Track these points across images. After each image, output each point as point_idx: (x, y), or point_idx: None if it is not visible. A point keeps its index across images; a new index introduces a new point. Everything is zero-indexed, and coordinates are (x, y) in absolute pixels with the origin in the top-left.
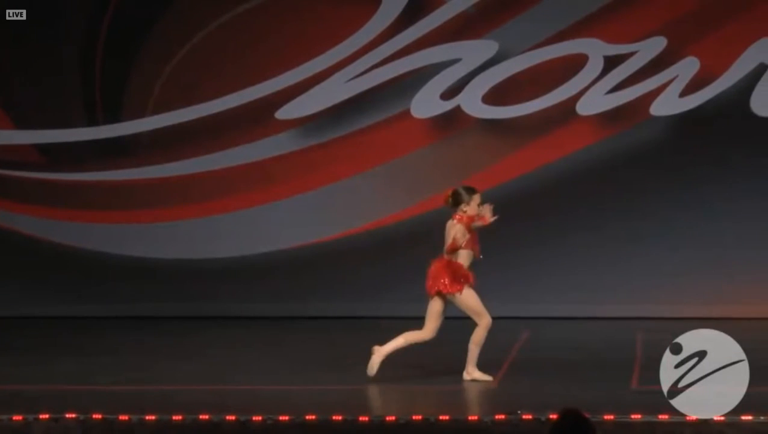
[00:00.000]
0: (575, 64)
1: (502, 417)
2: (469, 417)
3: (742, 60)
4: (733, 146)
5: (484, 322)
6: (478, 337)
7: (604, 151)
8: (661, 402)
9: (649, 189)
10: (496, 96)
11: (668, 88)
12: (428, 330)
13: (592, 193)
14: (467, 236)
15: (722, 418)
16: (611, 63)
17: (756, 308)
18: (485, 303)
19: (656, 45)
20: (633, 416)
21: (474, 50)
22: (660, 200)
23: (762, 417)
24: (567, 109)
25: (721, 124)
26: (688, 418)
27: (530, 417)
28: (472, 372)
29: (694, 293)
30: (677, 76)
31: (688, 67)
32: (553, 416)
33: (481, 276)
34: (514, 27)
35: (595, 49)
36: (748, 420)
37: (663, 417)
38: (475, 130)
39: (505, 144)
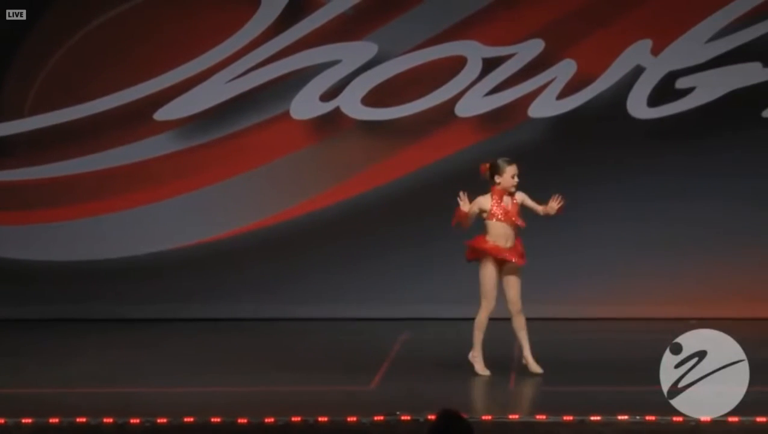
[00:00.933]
0: (454, 66)
1: (381, 418)
2: (348, 419)
3: (619, 62)
4: (610, 147)
5: (484, 304)
6: (478, 320)
7: (483, 152)
8: (538, 402)
9: (526, 191)
10: (375, 98)
11: (546, 90)
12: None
13: (472, 194)
14: (485, 208)
15: (599, 418)
16: (490, 65)
17: (639, 309)
18: (368, 303)
19: (534, 47)
20: (511, 416)
21: (353, 52)
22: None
23: (638, 417)
24: (446, 110)
25: (598, 126)
26: (565, 418)
27: (408, 418)
28: (474, 356)
29: (571, 294)
30: (555, 78)
31: (565, 69)
32: (432, 416)
33: (359, 278)
34: (393, 29)
35: (473, 51)
36: (624, 419)
37: (540, 417)
38: (355, 131)
39: (385, 145)
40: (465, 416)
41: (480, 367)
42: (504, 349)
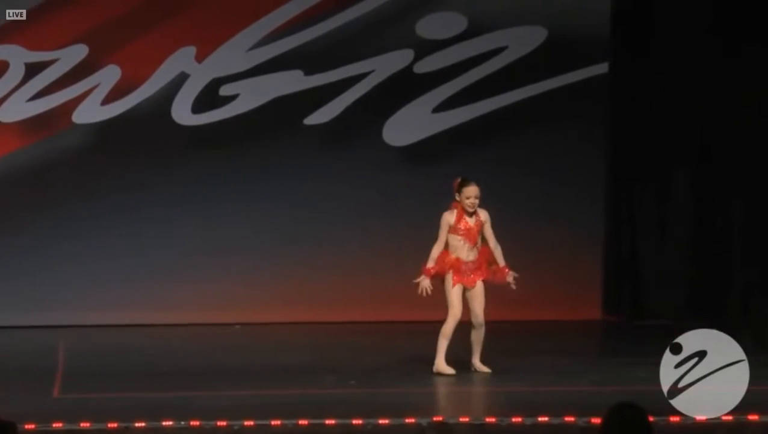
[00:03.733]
0: None
1: None
2: None
3: (164, 68)
4: (156, 153)
5: (450, 313)
6: (444, 329)
7: (28, 158)
8: (84, 409)
9: (72, 196)
10: None
11: (90, 96)
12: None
13: (15, 200)
14: (450, 223)
15: (224, 422)
16: (33, 70)
17: (185, 314)
18: None
19: (78, 52)
20: (55, 424)
21: None
22: (84, 206)
23: (316, 421)
24: None
25: (143, 132)
26: (109, 425)
27: None
28: (438, 364)
29: (114, 300)
30: (99, 83)
31: (109, 75)
32: None
33: None
34: None
35: (16, 55)
36: (277, 424)
37: (85, 424)
38: None
39: None
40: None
41: (444, 368)
42: (48, 358)
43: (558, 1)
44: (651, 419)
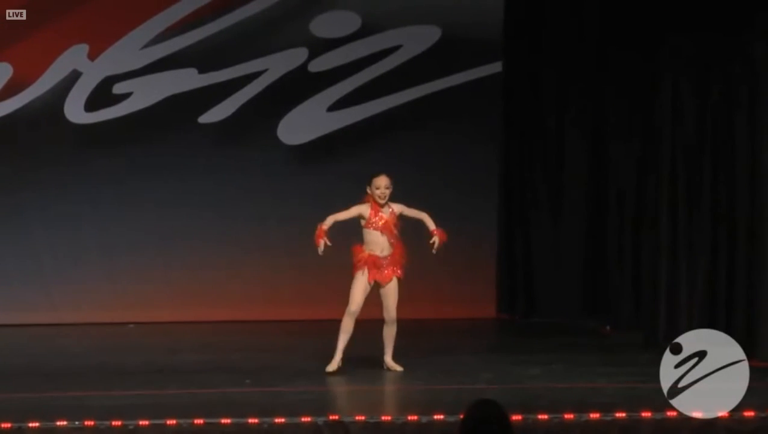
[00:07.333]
0: None
1: None
2: None
3: (56, 66)
4: (49, 152)
5: (348, 308)
6: (342, 324)
7: None
8: None
9: None
10: None
11: None
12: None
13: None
14: (364, 216)
15: (119, 422)
16: None
17: (78, 313)
18: None
19: None
20: None
21: None
22: None
23: (211, 420)
24: None
25: (36, 130)
26: (2, 425)
27: None
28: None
29: (4, 300)
30: None
31: (0, 72)
32: None
33: None
34: None
35: None
36: (172, 424)
37: None
38: None
39: None
40: None
41: (331, 366)
42: None
43: (451, 0)
44: (520, 417)
